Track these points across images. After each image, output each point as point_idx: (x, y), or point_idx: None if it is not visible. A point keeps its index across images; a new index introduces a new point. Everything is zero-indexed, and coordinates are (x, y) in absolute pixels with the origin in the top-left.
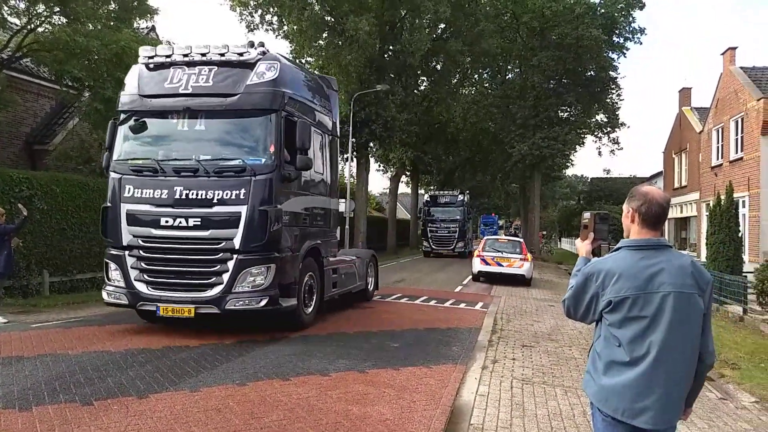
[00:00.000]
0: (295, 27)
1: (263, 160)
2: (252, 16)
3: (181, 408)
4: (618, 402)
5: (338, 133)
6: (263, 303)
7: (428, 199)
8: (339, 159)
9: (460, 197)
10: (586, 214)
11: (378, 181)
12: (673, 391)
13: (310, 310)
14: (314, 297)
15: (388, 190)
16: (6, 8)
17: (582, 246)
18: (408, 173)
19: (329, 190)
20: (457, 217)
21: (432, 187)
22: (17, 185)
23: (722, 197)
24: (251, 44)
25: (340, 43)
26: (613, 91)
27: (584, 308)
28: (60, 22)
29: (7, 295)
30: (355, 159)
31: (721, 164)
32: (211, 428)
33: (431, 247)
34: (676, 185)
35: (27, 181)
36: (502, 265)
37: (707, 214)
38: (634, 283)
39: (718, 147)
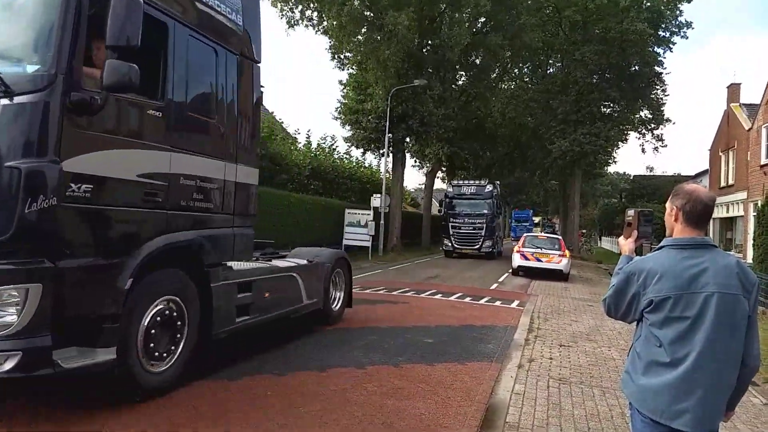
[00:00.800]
0: (334, 23)
1: (32, 64)
2: (292, 12)
3: (223, 396)
4: (657, 403)
5: (258, 56)
6: (8, 365)
7: (450, 189)
8: (256, 96)
9: (489, 188)
10: (630, 212)
11: (413, 177)
12: (714, 394)
13: (164, 365)
14: (181, 339)
15: (423, 186)
16: None
17: (625, 244)
18: (444, 169)
19: (229, 148)
20: (485, 212)
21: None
22: None
23: None
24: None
25: (378, 38)
26: (658, 87)
27: (625, 307)
28: None
29: None
30: (391, 154)
31: None
32: (251, 417)
33: (453, 246)
34: (723, 184)
35: None
36: (541, 261)
37: (755, 214)
38: (676, 283)
39: (767, 145)
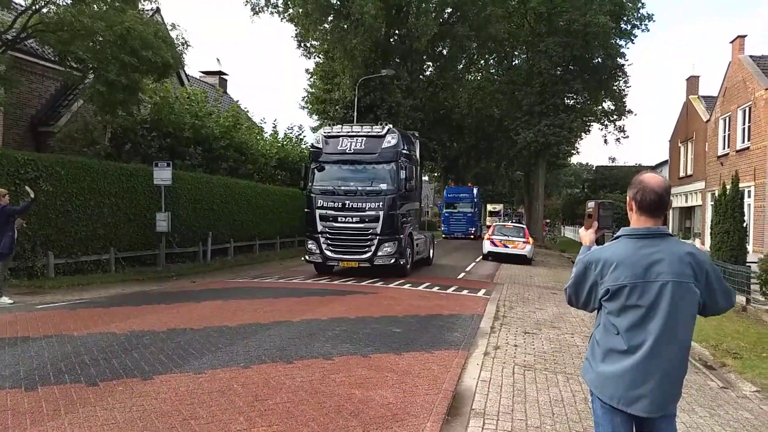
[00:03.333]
0: (300, 10)
1: (389, 186)
2: None
3: (186, 390)
4: (614, 389)
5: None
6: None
7: (319, 143)
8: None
9: (391, 138)
10: (590, 203)
11: None
12: (668, 379)
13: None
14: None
15: None
16: None
17: (585, 235)
18: None
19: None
20: (382, 187)
21: (445, 175)
22: (23, 167)
23: (728, 187)
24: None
25: (345, 26)
26: (620, 79)
27: (585, 296)
28: (65, 3)
29: (13, 276)
30: None
31: (728, 154)
32: (216, 410)
33: (323, 255)
34: (682, 174)
35: (32, 163)
36: (508, 247)
37: (712, 203)
38: (632, 272)
39: (724, 136)
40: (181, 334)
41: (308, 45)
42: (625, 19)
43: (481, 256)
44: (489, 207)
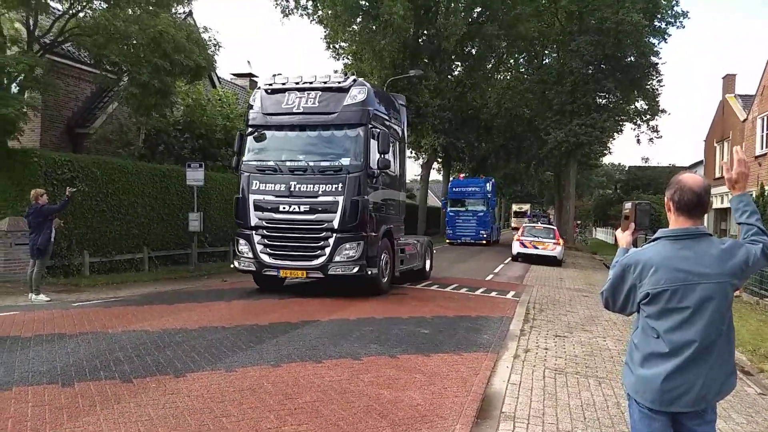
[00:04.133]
0: (329, 11)
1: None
2: (287, 1)
3: (217, 387)
4: (655, 392)
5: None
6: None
7: (257, 101)
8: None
9: (357, 92)
10: (627, 204)
11: (409, 168)
12: (712, 380)
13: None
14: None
15: (419, 177)
16: None
17: (622, 237)
18: (440, 160)
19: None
20: (344, 164)
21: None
22: (60, 167)
23: (766, 188)
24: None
25: (374, 27)
26: (654, 77)
27: (622, 300)
28: (100, 7)
29: (50, 274)
30: None
31: (765, 154)
32: (247, 408)
33: (257, 262)
34: (717, 175)
35: (69, 164)
36: (538, 248)
37: None
38: (672, 275)
39: (762, 136)
40: (212, 332)
41: (337, 46)
42: (658, 16)
43: (509, 258)
44: (515, 207)
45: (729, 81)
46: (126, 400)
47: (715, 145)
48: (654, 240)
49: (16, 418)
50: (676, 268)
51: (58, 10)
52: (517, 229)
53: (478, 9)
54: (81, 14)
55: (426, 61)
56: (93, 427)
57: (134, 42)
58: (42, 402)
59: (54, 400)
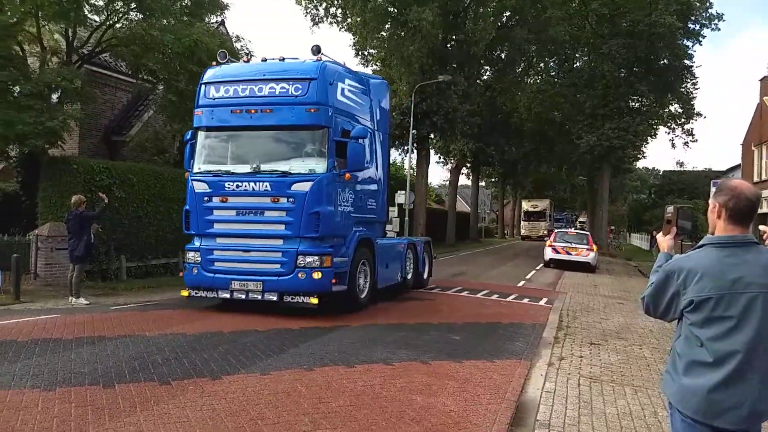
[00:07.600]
0: (358, 19)
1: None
2: (317, 10)
3: (253, 390)
4: (699, 403)
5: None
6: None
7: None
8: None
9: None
10: (669, 208)
11: (438, 173)
12: (759, 393)
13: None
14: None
15: (448, 182)
16: (87, 6)
17: (664, 241)
18: (469, 165)
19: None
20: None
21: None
22: (98, 174)
23: None
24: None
25: (402, 33)
26: (688, 80)
27: (664, 306)
28: (136, 18)
29: (88, 278)
30: (415, 151)
31: None
32: (282, 410)
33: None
34: (756, 179)
35: (106, 171)
36: (571, 254)
37: None
38: (718, 283)
39: None
40: (246, 336)
41: (366, 53)
42: (692, 18)
43: (542, 264)
44: (525, 205)
45: (766, 83)
46: (165, 402)
47: (753, 148)
48: (699, 246)
49: (61, 418)
50: (722, 276)
51: (96, 22)
52: (529, 238)
53: (508, 13)
54: (118, 25)
55: (455, 66)
56: (134, 428)
57: (170, 51)
58: (84, 402)
59: (96, 400)
